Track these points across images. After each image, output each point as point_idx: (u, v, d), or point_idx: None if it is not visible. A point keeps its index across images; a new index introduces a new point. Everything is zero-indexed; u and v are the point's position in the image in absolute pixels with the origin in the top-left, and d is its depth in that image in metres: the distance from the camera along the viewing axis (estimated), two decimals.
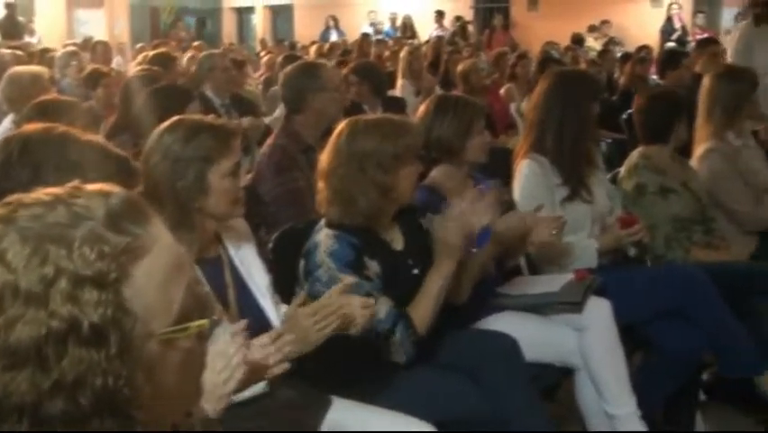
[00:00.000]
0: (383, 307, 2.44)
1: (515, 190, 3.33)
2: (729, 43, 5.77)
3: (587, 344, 2.83)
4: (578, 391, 2.95)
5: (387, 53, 10.13)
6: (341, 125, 2.58)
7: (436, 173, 3.04)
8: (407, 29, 16.64)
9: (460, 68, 7.10)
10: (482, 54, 10.35)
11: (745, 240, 3.92)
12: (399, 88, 7.45)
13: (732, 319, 3.16)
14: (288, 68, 3.99)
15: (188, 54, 8.95)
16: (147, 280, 0.96)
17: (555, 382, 3.11)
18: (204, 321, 1.01)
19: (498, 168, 3.50)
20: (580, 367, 2.87)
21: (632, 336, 3.10)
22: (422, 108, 3.11)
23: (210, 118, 2.31)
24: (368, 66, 6.19)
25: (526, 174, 3.29)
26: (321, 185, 2.55)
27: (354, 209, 2.48)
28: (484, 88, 7.03)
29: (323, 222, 2.55)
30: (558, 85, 3.35)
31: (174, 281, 0.99)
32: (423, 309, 2.51)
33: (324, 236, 2.49)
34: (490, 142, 3.22)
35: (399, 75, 7.72)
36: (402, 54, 7.95)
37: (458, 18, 16.00)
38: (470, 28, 16.01)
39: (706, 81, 4.07)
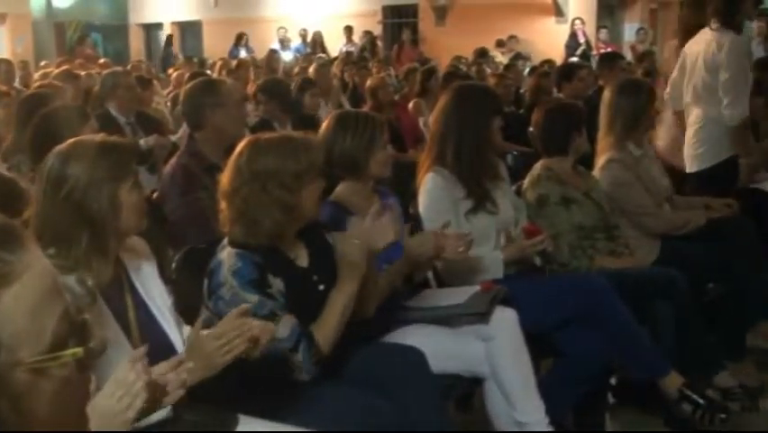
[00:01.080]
0: (286, 325, 2.43)
1: (419, 204, 3.36)
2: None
3: (494, 353, 2.87)
4: (487, 399, 2.97)
5: (296, 69, 10.10)
6: (241, 145, 2.56)
7: (341, 189, 3.05)
8: (317, 45, 16.66)
9: (368, 83, 7.13)
10: (391, 69, 10.42)
11: (648, 246, 4.05)
12: (309, 103, 7.40)
13: (635, 324, 3.25)
14: (188, 85, 3.96)
15: (93, 71, 8.76)
16: (15, 306, 0.92)
17: (468, 392, 3.14)
18: (78, 349, 0.98)
19: (407, 182, 3.52)
20: (489, 376, 2.91)
21: (540, 343, 3.15)
22: (323, 125, 3.11)
23: (102, 136, 2.26)
24: (275, 83, 6.16)
25: (430, 188, 3.32)
26: (223, 205, 2.52)
27: (258, 229, 2.46)
28: (393, 103, 7.07)
29: (226, 241, 2.52)
30: (457, 99, 3.39)
31: (46, 309, 0.96)
32: (326, 328, 2.49)
33: (227, 255, 2.47)
34: (397, 156, 3.23)
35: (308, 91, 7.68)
36: (310, 70, 7.94)
37: (366, 33, 16.10)
38: (379, 43, 16.12)
39: (606, 94, 4.19)
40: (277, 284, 2.46)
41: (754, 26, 12.00)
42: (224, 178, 2.53)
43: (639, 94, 4.11)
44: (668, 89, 5.21)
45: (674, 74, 5.04)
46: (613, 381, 3.62)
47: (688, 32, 5.06)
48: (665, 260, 3.94)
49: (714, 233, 4.11)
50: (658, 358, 3.29)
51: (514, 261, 3.34)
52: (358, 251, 2.52)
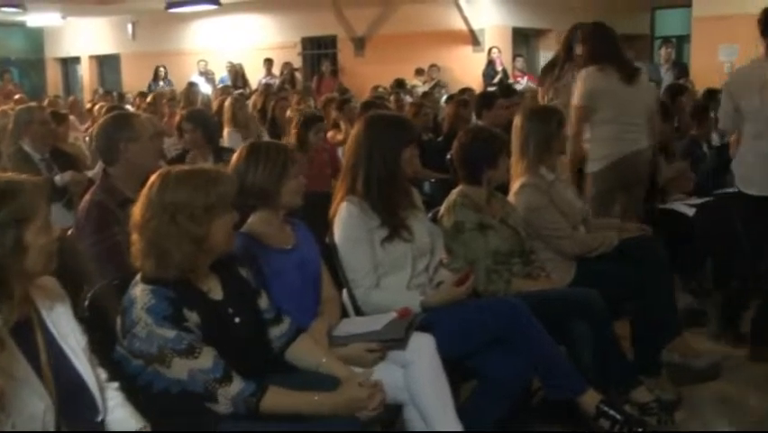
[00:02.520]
0: (208, 357, 2.42)
1: (335, 234, 3.37)
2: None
3: (412, 379, 2.89)
4: (407, 425, 2.99)
5: (215, 102, 10.06)
6: (153, 177, 2.55)
7: (253, 220, 3.05)
8: (239, 77, 16.63)
9: (288, 114, 7.13)
10: (311, 100, 10.45)
11: (564, 268, 4.15)
12: (226, 137, 7.41)
13: (552, 344, 3.31)
14: (101, 119, 3.92)
15: (7, 107, 8.58)
16: None
17: (388, 419, 3.15)
18: None
19: (324, 212, 3.53)
20: (408, 402, 2.93)
21: (459, 367, 3.19)
22: (235, 156, 3.11)
23: (9, 177, 2.23)
24: (201, 114, 6.13)
25: (345, 217, 3.34)
26: (135, 237, 2.50)
27: (168, 262, 2.44)
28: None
29: (138, 277, 2.50)
30: (367, 129, 3.42)
31: None
32: (281, 402, 2.48)
33: (140, 292, 2.45)
34: (304, 185, 3.22)
35: (225, 124, 7.71)
36: (227, 104, 7.93)
37: (286, 65, 16.15)
38: (298, 75, 16.18)
39: (517, 120, 4.29)
40: (192, 318, 2.45)
41: (661, 53, 12.44)
42: (136, 209, 2.52)
43: (550, 119, 4.22)
44: None
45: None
46: (534, 401, 3.69)
47: None
48: (581, 281, 4.03)
49: (628, 253, 4.24)
50: (575, 377, 3.36)
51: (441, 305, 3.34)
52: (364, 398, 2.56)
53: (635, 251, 4.25)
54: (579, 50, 5.38)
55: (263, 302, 2.76)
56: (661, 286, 4.18)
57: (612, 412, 3.32)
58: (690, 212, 5.49)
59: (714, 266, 6.03)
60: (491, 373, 3.20)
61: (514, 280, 3.78)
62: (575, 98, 5.18)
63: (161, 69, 16.68)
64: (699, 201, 5.68)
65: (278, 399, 2.47)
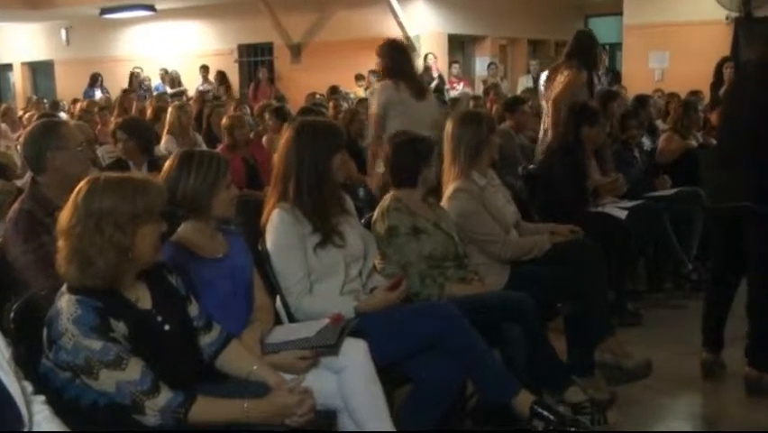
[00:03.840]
0: (136, 368, 2.40)
1: (267, 241, 3.36)
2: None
3: (345, 385, 2.90)
4: (342, 431, 2.99)
5: (149, 110, 9.94)
6: (81, 183, 2.52)
7: (183, 229, 3.01)
8: (176, 84, 16.48)
9: (224, 121, 7.08)
10: (246, 107, 10.39)
11: (497, 272, 4.20)
12: (164, 144, 7.34)
13: (485, 348, 3.35)
14: (29, 127, 3.85)
15: None
16: None
17: (324, 425, 3.15)
18: None
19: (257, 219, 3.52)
20: (342, 408, 2.94)
21: (393, 372, 3.21)
22: (167, 164, 3.08)
23: None
24: (135, 122, 6.05)
25: (277, 223, 3.33)
26: (60, 243, 2.47)
27: (91, 270, 2.41)
28: (249, 141, 7.06)
29: (65, 287, 2.46)
30: (297, 136, 3.42)
31: None
32: (208, 413, 2.47)
33: (65, 302, 2.41)
34: (249, 194, 3.22)
35: (165, 130, 7.64)
36: (170, 110, 7.88)
37: (219, 73, 16.05)
38: (233, 81, 16.11)
39: (448, 126, 4.33)
40: (120, 328, 2.42)
41: None
42: (63, 215, 2.48)
43: (480, 125, 4.27)
44: None
45: None
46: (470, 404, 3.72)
47: None
48: (515, 284, 4.08)
49: (560, 256, 4.30)
50: (508, 379, 3.39)
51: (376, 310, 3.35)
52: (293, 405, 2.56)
53: (568, 254, 4.32)
54: (377, 64, 5.96)
55: (193, 310, 2.73)
56: (593, 288, 4.26)
57: (545, 413, 3.36)
58: (623, 215, 5.60)
59: (647, 268, 6.18)
60: (425, 378, 3.23)
61: (447, 284, 3.81)
62: (372, 107, 5.90)
63: (98, 76, 16.43)
64: (630, 204, 5.79)
65: (206, 408, 2.45)
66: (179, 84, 16.42)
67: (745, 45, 11.31)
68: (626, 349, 4.56)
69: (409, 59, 6.01)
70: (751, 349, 4.40)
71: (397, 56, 5.85)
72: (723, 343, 4.61)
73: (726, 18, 11.83)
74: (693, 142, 7.09)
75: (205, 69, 16.21)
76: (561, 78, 6.80)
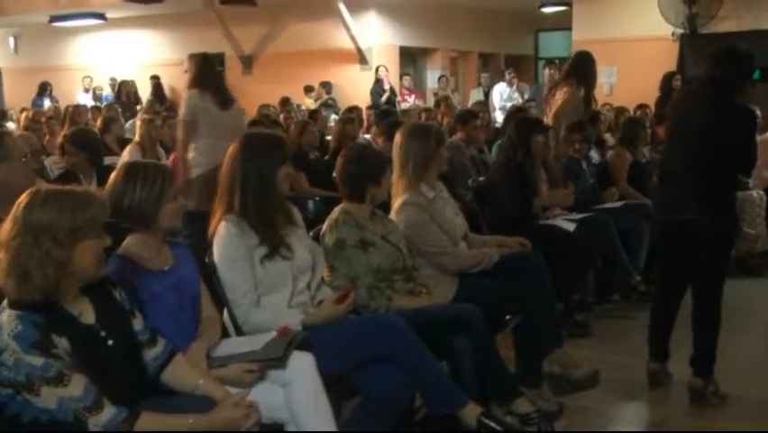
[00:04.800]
0: (79, 384, 2.36)
1: (214, 253, 3.34)
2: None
3: (292, 398, 2.89)
4: None
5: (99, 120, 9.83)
6: (23, 195, 2.48)
7: (129, 242, 2.97)
8: (131, 95, 16.25)
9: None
10: None
11: (446, 284, 4.22)
12: (128, 155, 7.28)
13: (432, 360, 3.36)
14: None
15: None
16: None
17: None
18: None
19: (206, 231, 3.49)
20: (289, 422, 2.92)
21: (341, 385, 3.21)
22: (112, 176, 3.04)
23: None
24: (85, 135, 5.98)
25: (223, 236, 3.31)
26: (1, 256, 2.42)
27: (29, 284, 2.37)
28: None
29: (5, 303, 2.42)
30: (242, 148, 3.41)
31: None
32: (154, 428, 2.44)
33: (6, 318, 2.37)
34: (183, 206, 3.17)
35: (134, 141, 7.73)
36: (138, 122, 7.95)
37: (152, 77, 15.90)
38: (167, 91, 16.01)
39: (397, 138, 4.35)
40: (62, 343, 2.38)
41: (545, 73, 12.82)
42: (4, 226, 2.44)
43: (428, 137, 4.29)
44: None
45: None
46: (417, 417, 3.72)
47: None
48: (463, 296, 4.10)
49: (508, 268, 4.34)
50: (456, 391, 3.41)
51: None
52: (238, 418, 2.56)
53: (516, 266, 4.36)
54: (188, 76, 6.60)
55: (138, 324, 2.70)
56: (541, 300, 4.30)
57: (492, 424, 3.38)
58: (571, 227, 5.65)
59: (595, 279, 6.25)
60: (373, 390, 3.23)
61: (396, 296, 3.81)
62: (180, 114, 6.60)
63: (47, 85, 16.18)
64: (579, 216, 5.86)
65: (151, 423, 2.43)
66: (135, 95, 16.18)
67: (691, 62, 11.54)
68: (574, 360, 4.60)
69: (216, 72, 6.88)
70: (695, 359, 4.48)
71: (203, 68, 6.54)
72: (669, 353, 4.68)
73: (673, 35, 12.05)
74: (642, 159, 7.20)
75: (155, 79, 16.04)
76: (560, 95, 7.34)
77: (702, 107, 4.38)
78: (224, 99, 6.48)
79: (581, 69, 7.41)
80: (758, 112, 6.91)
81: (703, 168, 4.33)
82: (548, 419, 3.88)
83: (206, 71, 6.55)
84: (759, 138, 7.49)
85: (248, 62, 16.39)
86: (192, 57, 6.56)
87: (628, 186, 6.88)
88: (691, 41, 11.73)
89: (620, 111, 8.42)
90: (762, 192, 7.60)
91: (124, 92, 16.21)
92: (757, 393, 4.61)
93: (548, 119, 7.26)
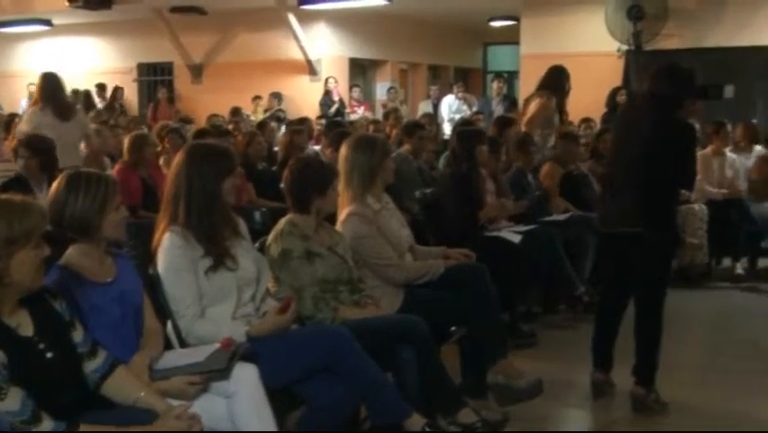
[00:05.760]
0: (15, 398, 2.33)
1: (158, 264, 3.30)
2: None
3: (236, 409, 2.88)
4: None
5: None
6: None
7: (71, 252, 2.93)
8: (87, 105, 15.97)
9: (128, 139, 6.92)
10: (144, 128, 10.22)
11: (391, 295, 4.23)
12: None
13: (377, 371, 3.36)
14: None
15: None
16: None
17: None
18: None
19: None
20: None
21: (285, 396, 3.20)
22: (54, 186, 2.99)
23: None
24: (41, 141, 5.88)
25: (168, 247, 3.28)
26: None
27: None
28: (152, 161, 6.94)
29: None
30: (187, 159, 3.38)
31: None
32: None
33: None
34: (142, 216, 3.17)
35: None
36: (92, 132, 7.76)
37: (115, 89, 15.71)
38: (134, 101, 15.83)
39: (343, 150, 4.36)
40: None
41: (493, 86, 12.95)
42: None
43: (374, 149, 4.31)
44: None
45: None
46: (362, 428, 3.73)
47: None
48: (409, 307, 4.12)
49: (454, 280, 4.36)
50: (400, 402, 3.42)
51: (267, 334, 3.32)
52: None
53: (461, 278, 4.38)
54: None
55: (78, 336, 2.67)
56: (485, 311, 4.33)
57: None
58: (517, 239, 5.71)
59: (541, 290, 6.32)
60: (318, 401, 3.23)
61: (341, 307, 3.82)
62: (23, 128, 7.00)
63: None
64: (524, 228, 5.92)
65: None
66: (91, 102, 15.92)
67: (636, 77, 11.73)
68: (519, 370, 4.64)
69: (59, 88, 7.26)
70: (638, 368, 4.56)
71: (45, 86, 7.12)
72: (612, 362, 4.75)
73: (618, 51, 12.24)
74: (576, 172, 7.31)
75: (101, 87, 15.84)
76: (533, 106, 7.95)
77: (644, 122, 4.47)
78: (63, 111, 7.02)
79: (553, 81, 8.02)
80: (698, 127, 7.09)
81: (645, 181, 4.42)
82: (492, 429, 3.91)
83: (48, 88, 7.10)
84: (699, 153, 7.71)
85: (197, 71, 16.28)
86: (40, 78, 7.24)
87: (561, 198, 6.97)
88: (636, 58, 11.92)
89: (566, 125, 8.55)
90: (703, 205, 7.76)
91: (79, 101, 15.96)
92: (698, 401, 4.71)
93: (523, 128, 7.73)
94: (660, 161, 4.38)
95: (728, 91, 4.81)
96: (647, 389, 4.52)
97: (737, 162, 8.26)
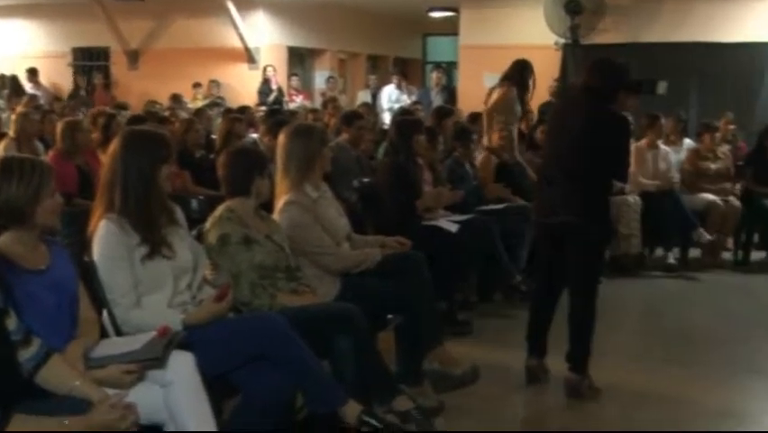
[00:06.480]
0: None
1: (93, 252, 3.27)
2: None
3: (172, 398, 2.86)
4: None
5: None
6: None
7: (4, 239, 2.87)
8: (15, 89, 15.59)
9: (60, 125, 6.80)
10: (81, 113, 10.05)
11: (328, 284, 4.26)
12: (2, 149, 7.05)
13: (313, 359, 3.38)
14: None
15: None
16: None
17: None
18: None
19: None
20: (168, 422, 2.89)
21: (222, 384, 3.20)
22: None
23: None
24: None
25: (103, 235, 3.24)
26: None
27: None
28: (88, 147, 6.83)
29: None
30: (124, 146, 3.35)
31: None
32: (27, 431, 2.41)
33: None
34: (78, 203, 3.12)
35: (10, 134, 7.48)
36: (15, 117, 7.63)
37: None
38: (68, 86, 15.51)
39: (281, 139, 4.36)
40: None
41: (432, 77, 13.02)
42: None
43: (311, 137, 4.32)
44: None
45: None
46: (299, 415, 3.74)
47: None
48: (346, 296, 4.15)
49: (390, 268, 4.40)
50: (336, 390, 3.44)
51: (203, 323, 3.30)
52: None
53: (397, 266, 4.42)
54: None
55: (11, 324, 2.62)
56: (421, 299, 4.37)
57: (373, 422, 3.42)
58: (454, 228, 5.77)
59: (478, 279, 6.39)
60: (254, 389, 3.23)
61: (279, 295, 3.82)
62: None
63: None
64: (462, 218, 5.98)
65: (23, 425, 2.38)
66: (20, 89, 15.52)
67: (573, 71, 11.92)
68: (455, 357, 4.70)
69: None
70: (571, 355, 4.65)
71: None
72: (546, 349, 4.84)
73: (556, 44, 12.41)
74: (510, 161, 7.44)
75: (32, 72, 15.46)
76: (494, 96, 8.29)
77: (579, 115, 4.55)
78: None
79: (515, 73, 8.28)
80: (632, 120, 7.24)
81: (579, 172, 4.50)
82: (428, 415, 3.95)
83: None
84: (634, 146, 7.88)
85: (134, 57, 16.04)
86: None
87: (496, 186, 7.13)
88: (574, 51, 12.11)
89: (474, 117, 8.69)
90: (637, 197, 7.93)
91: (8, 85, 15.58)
92: (630, 387, 4.83)
93: (484, 116, 8.24)
94: (593, 152, 4.47)
95: (661, 87, 4.90)
96: (580, 375, 4.62)
97: (670, 155, 8.46)
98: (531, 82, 8.31)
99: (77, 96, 14.39)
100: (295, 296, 3.88)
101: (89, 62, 16.67)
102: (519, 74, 8.30)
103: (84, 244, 3.37)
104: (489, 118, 8.12)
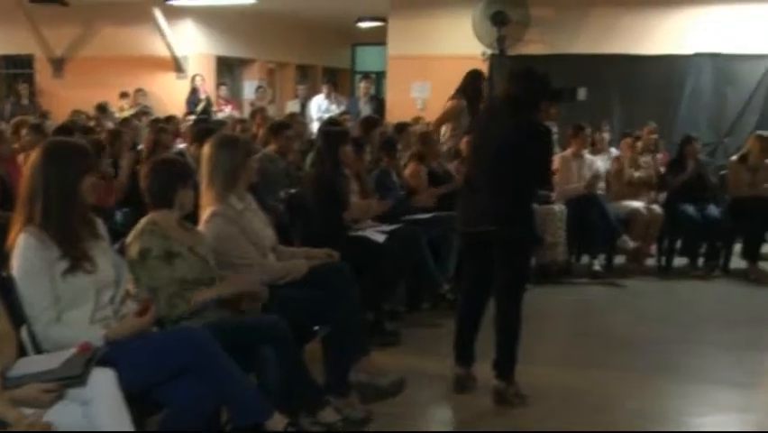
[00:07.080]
0: None
1: (13, 267, 3.19)
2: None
3: (93, 415, 2.82)
4: None
5: None
6: None
7: None
8: None
9: None
10: (2, 123, 9.81)
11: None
12: None
13: (238, 371, 3.35)
14: None
15: None
16: None
17: None
18: None
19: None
20: None
21: (145, 400, 3.17)
22: None
23: None
24: None
25: (22, 248, 3.17)
26: None
27: None
28: (8, 158, 6.66)
29: None
30: (44, 157, 3.28)
31: None
32: None
33: None
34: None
35: None
36: None
37: None
38: None
39: (206, 150, 4.33)
40: None
41: (361, 87, 13.04)
42: None
43: (236, 148, 4.30)
44: None
45: None
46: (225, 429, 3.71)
47: None
48: (272, 307, 4.12)
49: (316, 280, 4.40)
50: (261, 402, 3.41)
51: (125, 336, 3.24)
52: None
53: (323, 277, 4.43)
54: None
55: None
56: (347, 310, 4.38)
57: None
58: (381, 238, 5.79)
59: (406, 289, 6.43)
60: (178, 404, 3.21)
61: (195, 292, 3.72)
62: None
63: None
64: (389, 228, 6.01)
65: None
66: None
67: (499, 81, 12.05)
68: (381, 367, 4.73)
69: None
70: (498, 362, 4.72)
71: None
72: (474, 357, 4.89)
73: (483, 54, 12.55)
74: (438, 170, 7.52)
75: None
76: (446, 106, 8.80)
77: (501, 124, 4.62)
78: None
79: (467, 84, 8.75)
80: (555, 129, 7.39)
81: (502, 181, 4.57)
82: (354, 427, 3.96)
83: None
84: (559, 155, 8.03)
85: (59, 65, 15.71)
86: None
87: (433, 189, 7.23)
88: (500, 62, 12.25)
89: (401, 127, 8.75)
90: (563, 206, 8.06)
91: None
92: (556, 393, 4.91)
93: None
94: (516, 161, 4.54)
95: (581, 93, 5.02)
96: (507, 382, 4.68)
97: (596, 163, 8.63)
98: (482, 89, 8.70)
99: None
100: (210, 289, 3.79)
101: (12, 70, 16.29)
102: (472, 85, 8.72)
103: (2, 258, 3.30)
104: (436, 127, 8.77)
